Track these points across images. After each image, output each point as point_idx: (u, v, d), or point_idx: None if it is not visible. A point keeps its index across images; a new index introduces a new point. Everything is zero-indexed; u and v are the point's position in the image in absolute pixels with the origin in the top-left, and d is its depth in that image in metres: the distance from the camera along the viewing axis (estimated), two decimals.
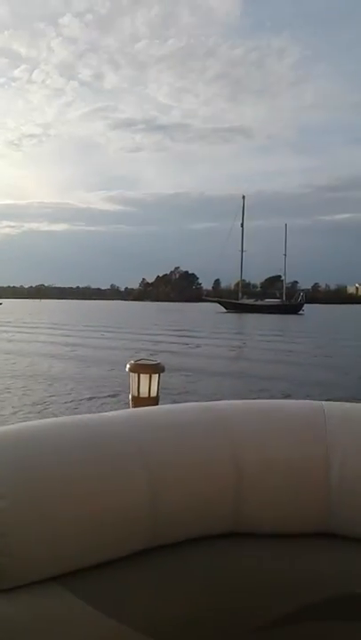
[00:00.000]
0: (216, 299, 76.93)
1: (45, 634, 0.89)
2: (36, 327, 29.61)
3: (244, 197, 77.68)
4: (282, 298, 70.73)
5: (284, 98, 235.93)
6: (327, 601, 1.08)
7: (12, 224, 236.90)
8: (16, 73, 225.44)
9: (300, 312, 61.49)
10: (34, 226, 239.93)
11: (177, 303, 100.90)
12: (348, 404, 1.27)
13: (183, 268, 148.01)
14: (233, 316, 52.75)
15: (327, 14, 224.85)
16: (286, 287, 78.33)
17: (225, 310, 64.57)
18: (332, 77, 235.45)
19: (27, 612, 0.90)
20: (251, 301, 69.50)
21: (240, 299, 71.07)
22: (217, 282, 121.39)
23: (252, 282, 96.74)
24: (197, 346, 20.46)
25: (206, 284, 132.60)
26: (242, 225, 75.21)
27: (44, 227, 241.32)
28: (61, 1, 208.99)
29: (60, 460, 0.97)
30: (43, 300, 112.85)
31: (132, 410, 1.23)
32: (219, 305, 68.69)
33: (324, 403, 1.23)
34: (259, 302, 68.44)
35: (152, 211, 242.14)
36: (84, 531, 0.96)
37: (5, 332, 25.36)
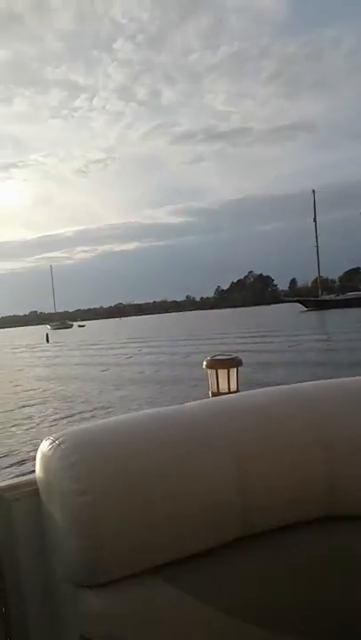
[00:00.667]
0: (295, 298, 74.61)
1: (146, 624, 0.89)
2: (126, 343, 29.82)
3: (313, 192, 75.12)
4: None
5: (342, 87, 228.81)
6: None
7: (86, 248, 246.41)
8: (77, 103, 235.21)
9: None
10: (107, 248, 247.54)
11: (254, 307, 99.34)
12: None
13: (257, 272, 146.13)
14: (315, 314, 50.67)
15: None
16: None
17: (305, 309, 62.27)
18: None
19: (125, 605, 0.90)
20: (332, 297, 66.66)
21: (320, 295, 68.42)
22: (293, 281, 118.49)
23: (329, 277, 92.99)
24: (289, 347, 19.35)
25: (282, 285, 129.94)
26: (314, 220, 72.68)
27: (116, 247, 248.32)
28: (113, 27, 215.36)
29: (144, 453, 0.96)
30: (123, 318, 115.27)
31: (212, 399, 1.16)
32: (298, 304, 66.40)
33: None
34: (340, 297, 65.41)
35: (219, 218, 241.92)
36: (176, 521, 0.95)
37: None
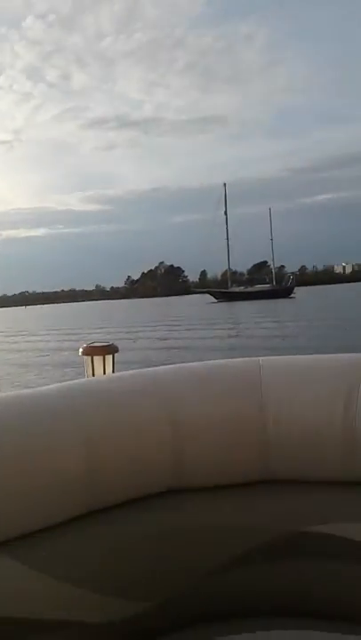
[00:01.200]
0: (205, 289, 75.54)
1: None
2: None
3: (225, 185, 76.20)
4: (272, 283, 69.44)
5: (255, 83, 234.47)
6: (273, 542, 1.12)
7: None
8: None
9: (292, 295, 60.21)
10: (12, 233, 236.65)
11: (164, 298, 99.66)
12: (284, 357, 1.33)
13: (168, 263, 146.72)
14: (224, 305, 51.38)
15: None
16: (274, 272, 77.12)
17: (215, 300, 63.18)
18: (302, 60, 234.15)
19: None
20: (241, 289, 68.28)
21: (229, 287, 69.77)
22: (203, 273, 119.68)
23: (238, 270, 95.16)
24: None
25: (193, 277, 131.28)
26: (225, 213, 73.73)
27: (23, 233, 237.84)
28: (22, 3, 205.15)
29: None
30: (28, 307, 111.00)
31: (68, 382, 1.23)
32: (208, 295, 67.23)
33: (261, 359, 1.28)
34: (249, 289, 67.12)
35: (131, 208, 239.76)
36: (23, 497, 1.00)
37: None
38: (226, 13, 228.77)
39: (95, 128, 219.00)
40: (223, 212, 73.75)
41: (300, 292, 62.30)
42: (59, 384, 1.18)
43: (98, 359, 3.34)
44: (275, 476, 1.17)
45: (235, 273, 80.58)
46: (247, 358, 1.29)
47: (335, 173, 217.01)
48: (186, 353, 14.68)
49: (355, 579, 1.09)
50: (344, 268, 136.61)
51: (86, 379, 1.23)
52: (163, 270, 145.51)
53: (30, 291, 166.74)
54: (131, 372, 1.28)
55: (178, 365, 1.30)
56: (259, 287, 66.78)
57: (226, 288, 69.76)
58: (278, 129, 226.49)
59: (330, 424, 1.14)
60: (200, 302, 58.94)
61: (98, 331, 25.88)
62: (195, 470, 1.16)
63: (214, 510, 1.15)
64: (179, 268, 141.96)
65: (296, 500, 1.15)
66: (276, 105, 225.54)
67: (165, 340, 19.48)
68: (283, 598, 1.14)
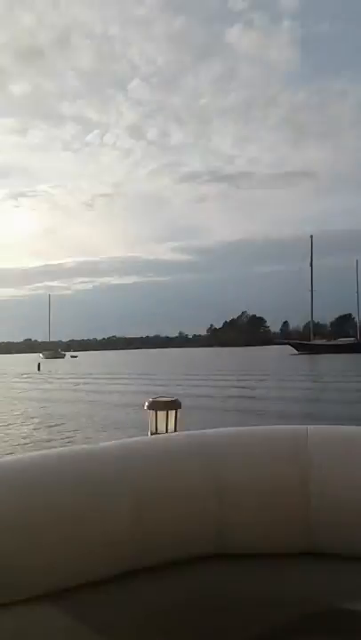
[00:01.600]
0: (287, 341, 74.90)
1: None
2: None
3: (311, 237, 76.44)
4: (356, 336, 67.70)
5: (347, 138, 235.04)
6: (313, 617, 1.12)
7: (86, 279, 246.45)
8: (89, 138, 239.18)
9: None
10: (105, 280, 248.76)
11: (245, 347, 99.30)
12: (330, 427, 1.30)
13: (250, 312, 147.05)
14: (306, 358, 50.80)
15: None
16: (358, 325, 75.12)
17: (297, 352, 62.51)
18: None
19: (18, 625, 0.99)
20: (323, 341, 67.08)
21: (312, 339, 68.80)
22: (285, 324, 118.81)
23: (321, 322, 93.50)
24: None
25: (274, 327, 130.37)
26: (311, 264, 73.64)
27: (115, 280, 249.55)
28: (130, 67, 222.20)
29: (47, 490, 1.06)
30: (115, 351, 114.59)
31: (122, 440, 1.25)
32: (290, 347, 66.67)
33: (308, 427, 1.26)
34: (332, 342, 65.85)
35: (218, 258, 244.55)
36: (71, 552, 1.04)
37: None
38: (320, 71, 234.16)
39: (188, 182, 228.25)
40: (309, 264, 73.78)
41: None
42: (113, 442, 1.25)
43: (161, 414, 3.47)
44: (317, 549, 1.17)
45: (317, 325, 79.48)
46: (295, 426, 1.30)
47: None
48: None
49: None
50: None
51: (137, 438, 1.30)
52: (245, 320, 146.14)
53: (118, 335, 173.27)
54: (182, 433, 1.34)
55: (226, 429, 1.32)
56: (342, 340, 65.39)
57: (308, 340, 68.83)
58: None
59: None
60: (281, 354, 58.51)
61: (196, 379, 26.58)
62: (237, 537, 1.17)
63: (253, 579, 1.16)
64: (261, 318, 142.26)
65: (335, 574, 1.15)
66: None
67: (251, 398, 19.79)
68: None
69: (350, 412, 12.99)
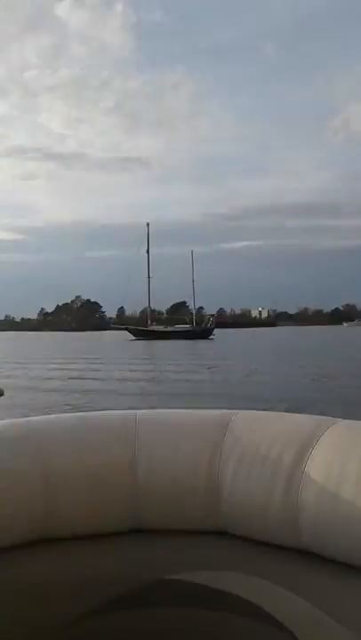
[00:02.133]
0: (124, 326, 74.04)
1: None
2: None
3: (148, 224, 75.93)
4: (192, 323, 69.51)
5: (180, 130, 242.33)
6: (136, 590, 1.18)
7: None
8: None
9: (211, 337, 60.39)
10: None
11: (80, 332, 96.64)
12: (159, 411, 1.42)
13: (85, 297, 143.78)
14: (144, 343, 50.26)
15: (217, 51, 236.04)
16: (193, 313, 77.49)
17: (134, 338, 61.89)
18: (225, 111, 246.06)
19: None
20: (161, 328, 67.47)
21: (149, 325, 68.87)
22: (121, 309, 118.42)
23: (157, 309, 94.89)
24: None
25: (110, 313, 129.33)
26: (147, 251, 73.42)
27: None
28: None
29: None
30: None
31: None
32: (127, 332, 65.84)
33: (138, 412, 1.35)
34: (169, 328, 66.57)
35: (49, 239, 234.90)
36: None
37: None
38: (154, 61, 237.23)
39: (15, 156, 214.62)
40: (145, 251, 73.55)
41: (218, 333, 62.74)
42: None
43: None
44: (143, 527, 1.23)
45: (153, 311, 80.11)
46: (124, 411, 1.37)
47: (252, 222, 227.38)
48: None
49: (212, 625, 1.15)
50: (260, 312, 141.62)
51: None
52: (79, 304, 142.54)
53: None
54: (4, 421, 1.30)
55: (53, 416, 1.35)
56: (179, 327, 66.50)
57: (145, 326, 68.74)
58: (200, 175, 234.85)
59: (195, 477, 1.21)
60: (118, 339, 57.49)
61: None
62: (65, 521, 1.20)
63: (83, 559, 1.18)
64: (96, 302, 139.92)
65: (161, 549, 1.20)
66: (200, 152, 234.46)
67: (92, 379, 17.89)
68: None
69: (194, 389, 14.28)
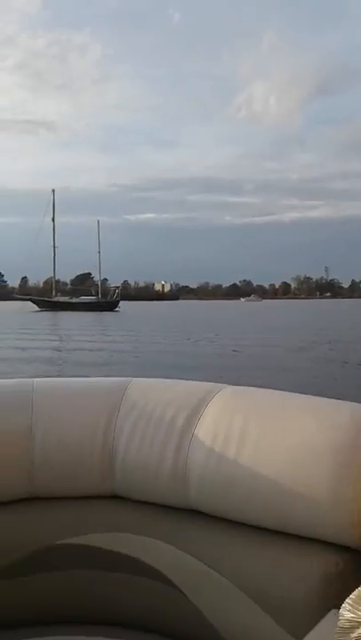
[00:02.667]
0: (28, 296, 72.42)
1: None
2: None
3: (53, 191, 74.03)
4: (97, 295, 69.51)
5: (87, 95, 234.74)
6: (32, 556, 1.21)
7: None
8: None
9: (117, 309, 61.15)
10: None
11: None
12: (56, 380, 1.47)
13: None
14: (49, 314, 49.94)
15: (126, 16, 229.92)
16: (98, 285, 77.46)
17: (38, 309, 60.97)
18: (133, 79, 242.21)
19: None
20: (66, 299, 66.96)
21: (54, 296, 67.94)
22: (24, 280, 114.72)
23: (61, 280, 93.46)
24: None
25: (12, 282, 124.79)
26: (53, 220, 71.70)
27: None
28: None
29: None
30: None
31: None
32: (31, 303, 64.61)
33: (35, 380, 1.35)
34: (74, 300, 66.26)
35: None
36: None
37: None
38: (61, 21, 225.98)
39: None
40: (51, 219, 71.79)
41: (123, 306, 63.55)
42: None
43: None
44: (40, 494, 1.25)
45: (58, 282, 78.94)
46: (21, 379, 1.38)
47: (158, 194, 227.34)
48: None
49: (109, 585, 1.20)
50: (163, 285, 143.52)
51: None
52: None
53: None
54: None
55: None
56: (85, 299, 66.38)
57: (49, 297, 67.82)
58: (107, 143, 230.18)
59: (91, 444, 1.24)
60: (22, 310, 56.31)
61: None
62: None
63: None
64: None
65: (57, 515, 1.24)
66: (107, 120, 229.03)
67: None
68: (43, 609, 1.23)
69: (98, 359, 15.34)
